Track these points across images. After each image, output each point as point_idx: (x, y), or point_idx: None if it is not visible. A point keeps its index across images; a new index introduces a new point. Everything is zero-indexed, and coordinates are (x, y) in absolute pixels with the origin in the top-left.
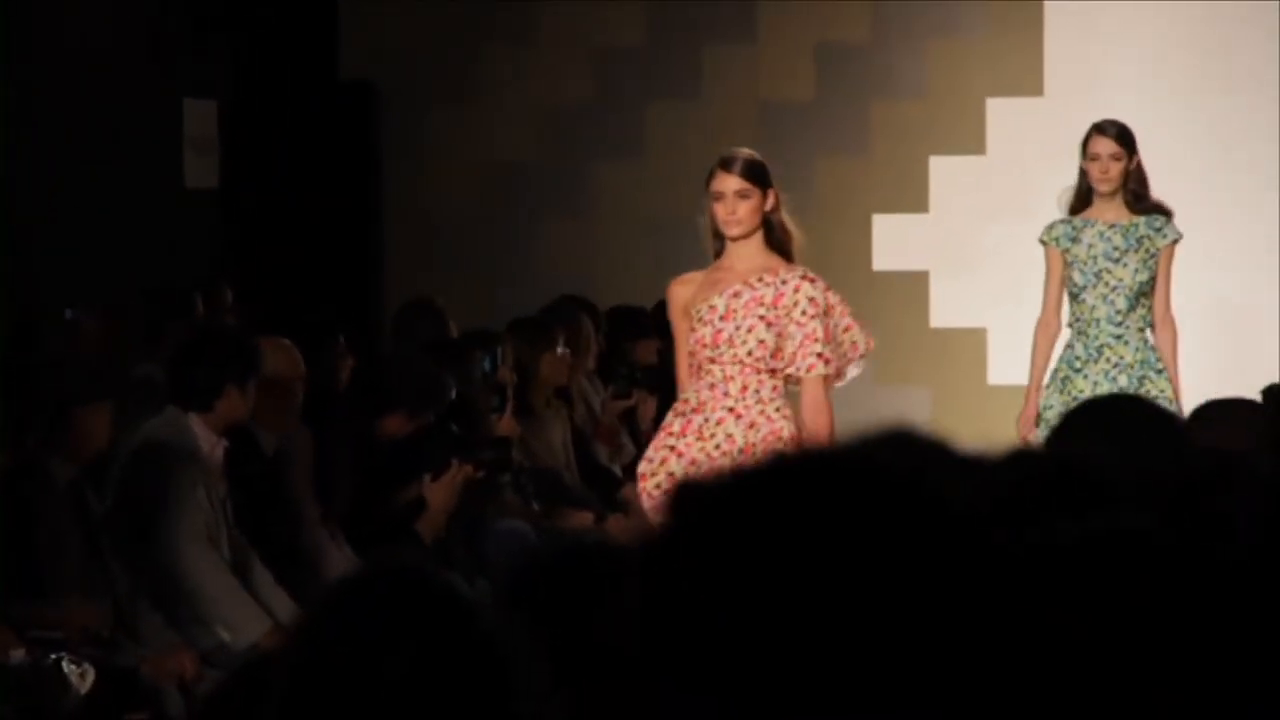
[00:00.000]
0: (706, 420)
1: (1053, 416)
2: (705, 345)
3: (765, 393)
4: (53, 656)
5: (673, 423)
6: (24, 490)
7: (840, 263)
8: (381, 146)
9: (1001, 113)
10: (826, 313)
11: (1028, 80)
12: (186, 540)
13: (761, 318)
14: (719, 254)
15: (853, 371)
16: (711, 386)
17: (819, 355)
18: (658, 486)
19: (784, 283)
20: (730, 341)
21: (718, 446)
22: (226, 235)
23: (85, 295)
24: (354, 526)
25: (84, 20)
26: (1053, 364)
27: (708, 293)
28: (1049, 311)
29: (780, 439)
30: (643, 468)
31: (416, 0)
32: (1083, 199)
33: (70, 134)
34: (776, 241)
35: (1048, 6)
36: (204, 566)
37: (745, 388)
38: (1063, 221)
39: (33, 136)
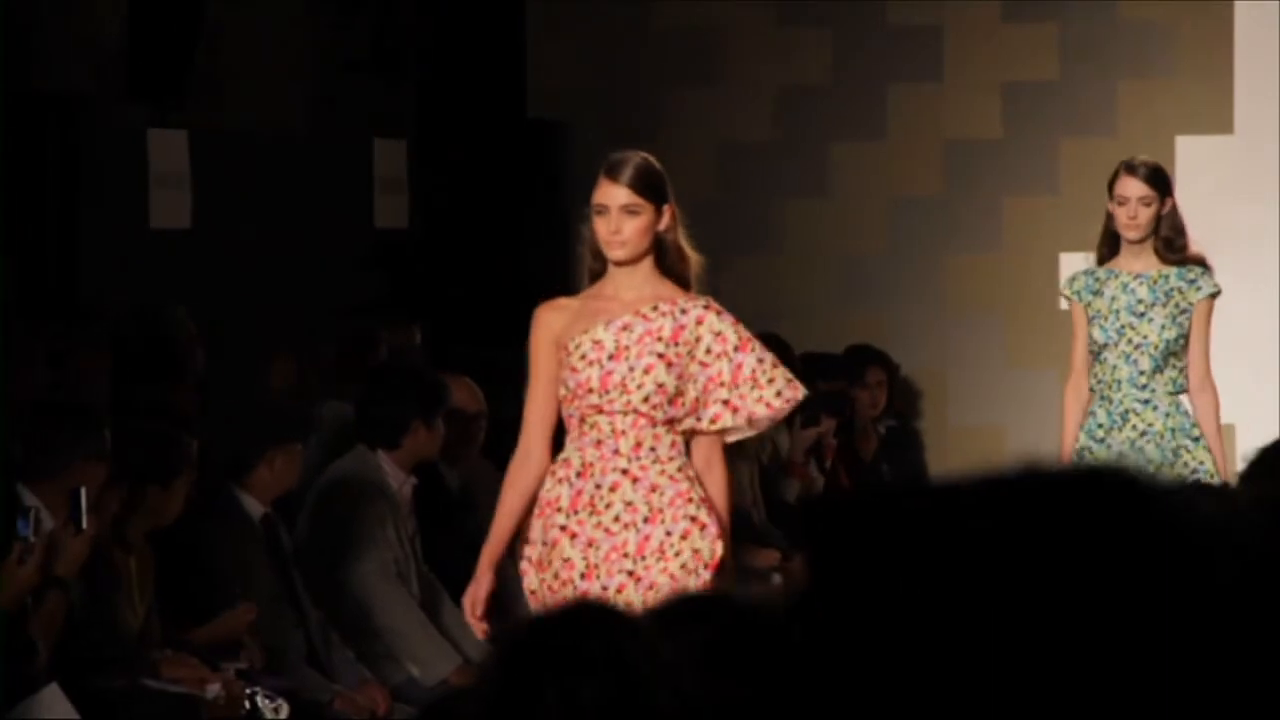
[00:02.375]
0: (599, 488)
1: None
2: (590, 390)
3: (664, 449)
4: (248, 690)
5: (556, 494)
6: (216, 524)
7: (1027, 303)
8: (568, 185)
9: (1191, 151)
10: (739, 349)
11: (1217, 118)
12: (377, 577)
13: (660, 356)
14: (595, 277)
15: (739, 429)
16: (598, 444)
17: (724, 403)
18: (555, 577)
19: (684, 313)
20: (622, 385)
21: (617, 519)
22: (415, 274)
23: (276, 334)
24: None
25: (275, 61)
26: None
27: (588, 323)
28: (1077, 374)
29: (690, 502)
30: (528, 556)
31: (603, 39)
32: (1109, 246)
33: (262, 174)
34: (671, 266)
35: (1238, 44)
36: (394, 602)
37: (639, 444)
38: (1086, 272)
39: (225, 177)
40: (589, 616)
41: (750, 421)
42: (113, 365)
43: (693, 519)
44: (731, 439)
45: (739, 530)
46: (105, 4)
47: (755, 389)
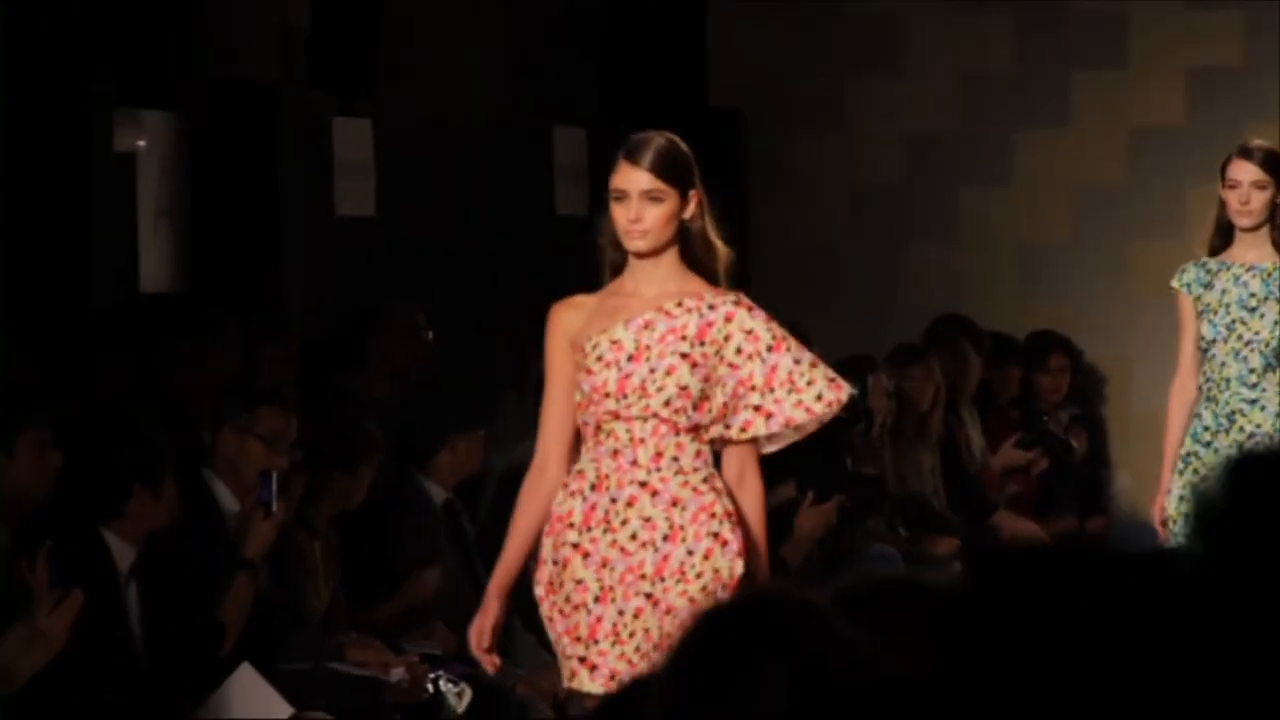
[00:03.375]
0: (614, 502)
1: (1174, 503)
2: (607, 394)
3: (687, 459)
4: (431, 675)
5: (569, 509)
6: (399, 510)
7: None
8: (749, 172)
9: None
10: (772, 349)
11: None
12: None
13: (684, 356)
14: (617, 271)
15: (790, 432)
16: (615, 454)
17: (757, 409)
18: (567, 600)
19: (711, 309)
20: (642, 389)
21: (634, 536)
22: (595, 262)
23: (458, 322)
24: None
25: (458, 49)
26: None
27: (606, 321)
28: (1184, 374)
29: (714, 517)
30: (538, 578)
31: (785, 27)
32: (1222, 235)
33: (444, 162)
34: (697, 259)
35: None
36: None
37: (660, 453)
38: (1197, 264)
39: (408, 165)
40: (769, 599)
41: (789, 427)
42: (301, 353)
43: (715, 535)
44: (770, 449)
45: (919, 518)
46: None
47: (793, 392)
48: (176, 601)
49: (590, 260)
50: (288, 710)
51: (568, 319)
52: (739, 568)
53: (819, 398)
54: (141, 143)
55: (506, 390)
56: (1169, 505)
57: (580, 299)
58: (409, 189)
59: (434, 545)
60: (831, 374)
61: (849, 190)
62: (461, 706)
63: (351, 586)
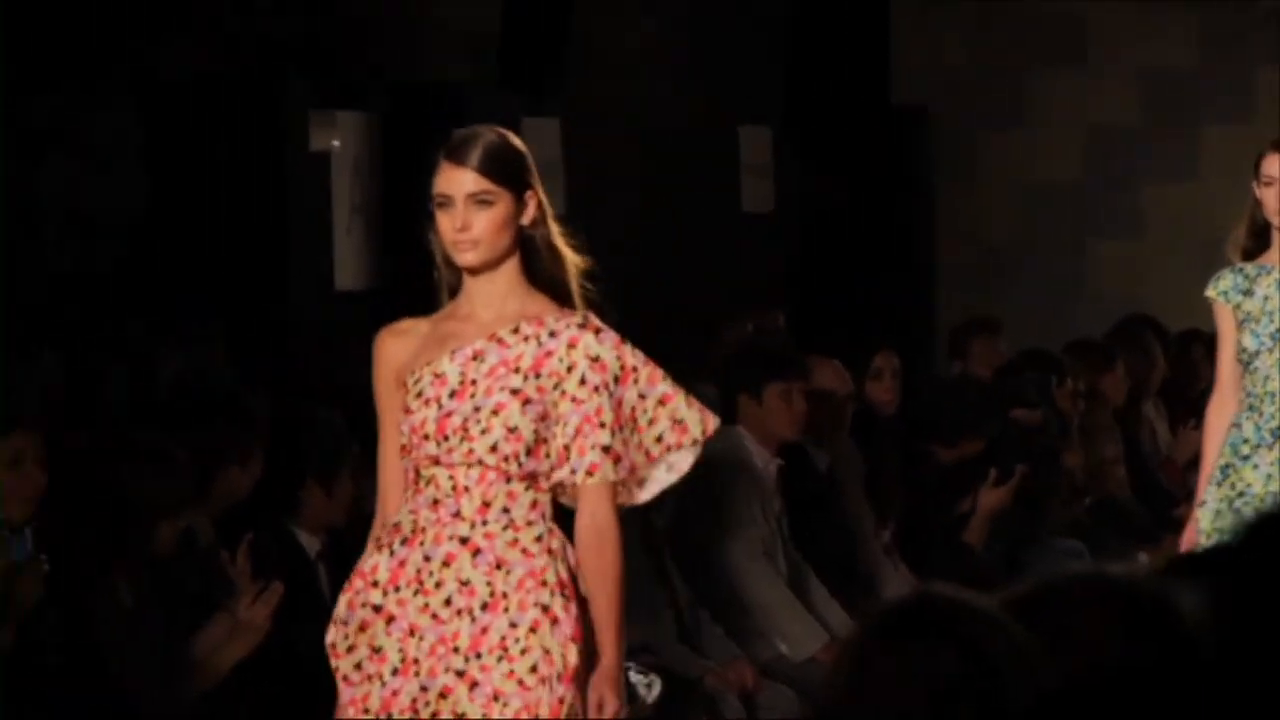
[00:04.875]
0: (428, 560)
1: (1207, 516)
2: (426, 436)
3: (519, 512)
4: None
5: (373, 564)
6: None
7: None
8: (933, 169)
9: None
10: (619, 381)
11: None
12: (745, 555)
13: (514, 392)
14: (454, 293)
15: (662, 474)
16: (434, 504)
17: (605, 450)
18: (357, 669)
19: (552, 336)
20: (464, 431)
21: (448, 602)
22: (781, 259)
23: (646, 320)
24: (906, 541)
25: (644, 49)
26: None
27: (434, 352)
28: (1223, 389)
29: (543, 585)
30: (332, 637)
31: (968, 24)
32: (1258, 237)
33: (631, 161)
34: (543, 272)
35: None
36: (762, 580)
37: (486, 504)
38: (1233, 270)
39: (596, 164)
40: (939, 599)
41: (635, 473)
42: None
43: (544, 609)
44: (651, 494)
45: (1106, 513)
46: None
47: (634, 433)
48: None
49: (779, 258)
50: None
51: (394, 349)
52: (572, 656)
53: (659, 439)
54: (336, 142)
55: (695, 385)
56: (1203, 519)
57: (409, 324)
58: (597, 188)
59: (623, 538)
60: (680, 413)
61: (1032, 185)
62: (651, 698)
63: None
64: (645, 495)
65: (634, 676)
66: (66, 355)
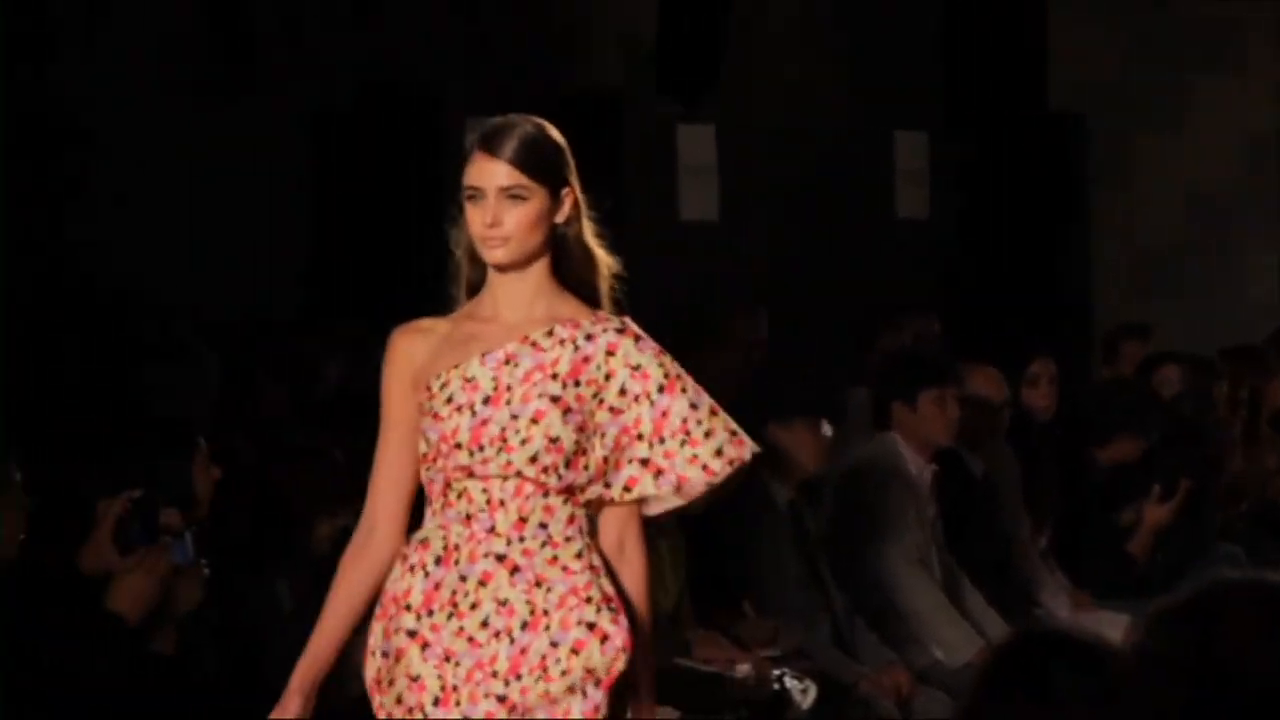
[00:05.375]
0: (463, 580)
1: None
2: (458, 445)
3: (557, 527)
4: (776, 672)
5: (406, 587)
6: (744, 509)
7: None
8: (1090, 175)
9: None
10: (664, 390)
11: None
12: (900, 561)
13: (554, 400)
14: (475, 291)
15: (669, 494)
16: (467, 519)
17: (645, 464)
18: (398, 702)
19: (589, 339)
20: (501, 441)
21: (485, 624)
22: (936, 265)
23: (801, 323)
24: (1063, 547)
25: (797, 56)
26: None
27: (458, 354)
28: None
29: (588, 602)
30: (369, 672)
31: (1125, 31)
32: None
33: (785, 167)
34: (573, 273)
35: None
36: (917, 587)
37: (523, 519)
38: None
39: (749, 171)
40: (1041, 638)
41: (680, 488)
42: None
43: (590, 626)
44: (655, 511)
45: (1266, 519)
46: (639, 3)
47: (687, 444)
48: None
49: (935, 264)
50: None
51: (411, 348)
52: (620, 663)
53: (718, 453)
54: None
55: (850, 389)
56: None
57: (428, 323)
58: (751, 193)
59: (778, 545)
60: (734, 426)
61: (1188, 192)
62: (806, 703)
63: (698, 584)
64: (654, 510)
65: (789, 682)
66: (224, 359)
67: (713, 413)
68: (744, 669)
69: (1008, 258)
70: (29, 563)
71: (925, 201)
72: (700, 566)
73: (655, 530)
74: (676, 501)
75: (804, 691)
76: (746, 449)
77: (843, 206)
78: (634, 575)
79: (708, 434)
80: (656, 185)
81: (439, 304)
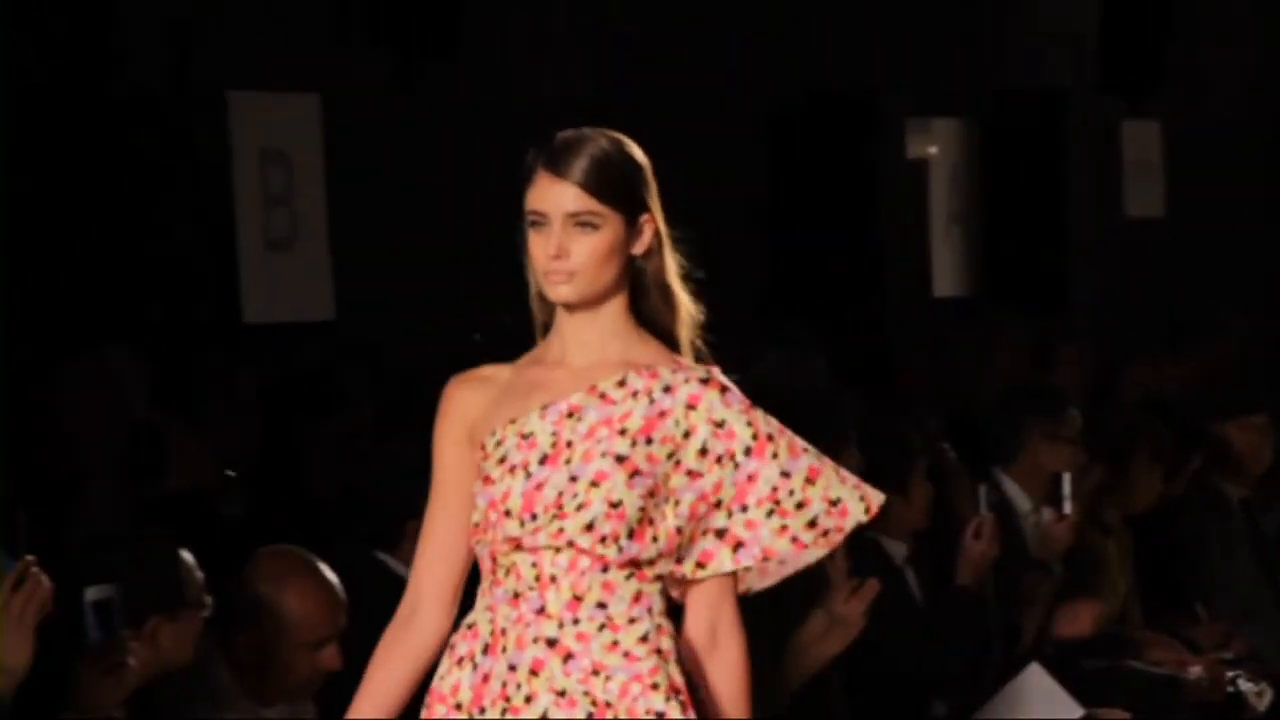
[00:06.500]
0: (513, 670)
1: None
2: (508, 513)
3: (619, 608)
4: (1230, 674)
5: (454, 682)
6: (1194, 509)
7: None
8: None
9: None
10: (750, 454)
11: None
12: None
13: (621, 460)
14: (548, 329)
15: (774, 565)
16: (514, 598)
17: (722, 535)
18: None
19: (667, 391)
20: (556, 508)
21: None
22: (1171, 263)
23: (1252, 319)
24: None
25: (1241, 50)
26: None
27: (518, 406)
28: None
29: (654, 689)
30: None
31: None
32: None
33: (1233, 163)
34: (652, 314)
35: None
36: None
37: (578, 598)
38: None
39: (1196, 168)
40: None
41: (769, 561)
42: (1096, 353)
43: (659, 716)
44: (760, 586)
45: None
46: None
47: (774, 515)
48: (952, 601)
49: (1162, 261)
50: (1078, 710)
51: (468, 400)
52: None
53: (811, 524)
54: (933, 150)
55: None
56: None
57: (488, 370)
58: (1199, 190)
59: (1230, 546)
60: (835, 494)
61: None
62: (1262, 706)
63: (1146, 586)
64: (761, 585)
65: (1244, 684)
66: None
67: (809, 480)
68: (1196, 671)
69: (1249, 255)
70: None
71: (1160, 197)
72: (1149, 568)
73: (1103, 531)
74: (785, 572)
75: (1259, 694)
76: (850, 518)
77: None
78: (729, 668)
79: (800, 505)
80: (1102, 183)
81: (874, 302)
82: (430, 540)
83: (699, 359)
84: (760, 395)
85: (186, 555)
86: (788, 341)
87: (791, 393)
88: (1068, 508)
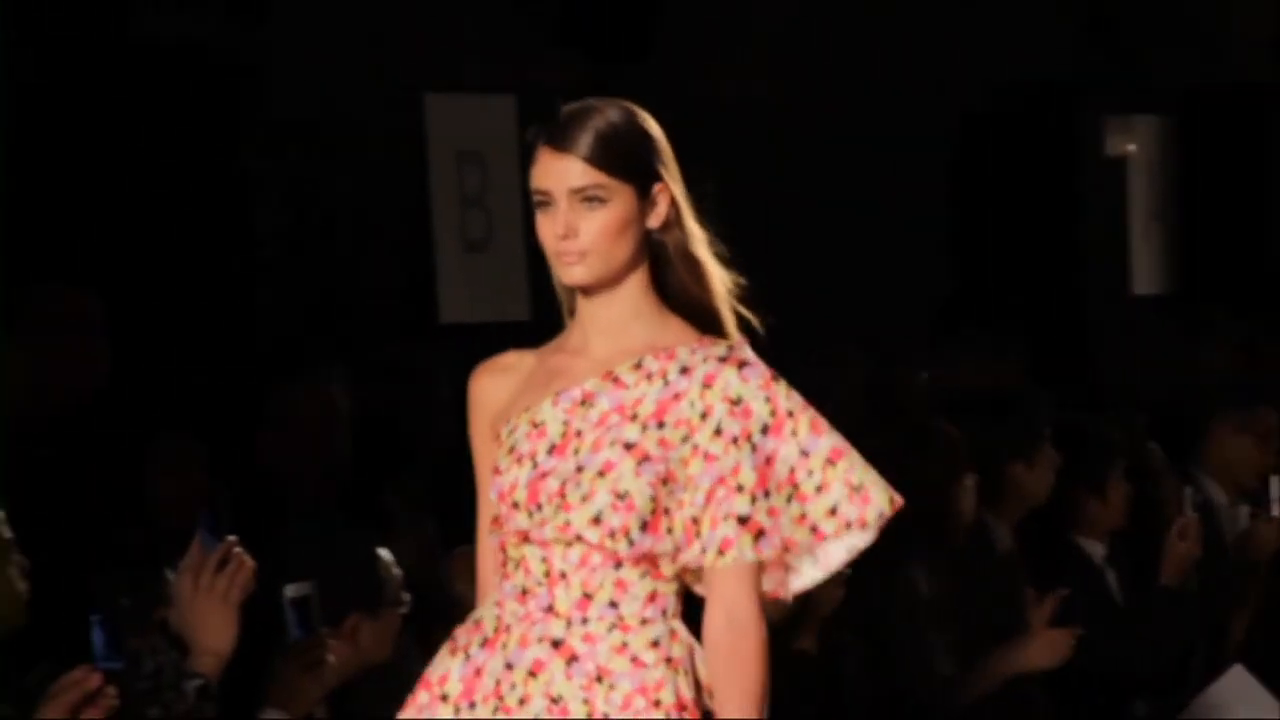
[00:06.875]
0: (510, 669)
1: None
2: (516, 505)
3: (631, 607)
4: None
5: (443, 672)
6: None
7: None
8: None
9: None
10: (768, 431)
11: None
12: None
13: (629, 447)
14: (574, 312)
15: (809, 568)
16: (522, 594)
17: (742, 521)
18: None
19: (684, 373)
20: (559, 499)
21: None
22: None
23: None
24: None
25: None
26: None
27: (535, 395)
28: None
29: (657, 705)
30: None
31: None
32: None
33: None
34: (679, 290)
35: None
36: None
37: (588, 596)
38: None
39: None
40: None
41: (789, 553)
42: None
43: None
44: (796, 589)
45: None
46: None
47: (794, 500)
48: (1157, 601)
49: None
50: None
51: (491, 390)
52: None
53: (831, 512)
54: (1132, 147)
55: None
56: None
57: (512, 358)
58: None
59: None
60: (858, 479)
61: None
62: None
63: None
64: (794, 588)
65: None
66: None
67: (829, 462)
68: None
69: None
70: None
71: None
72: None
73: None
74: (818, 576)
75: None
76: (872, 506)
77: None
78: (742, 663)
79: (819, 488)
80: None
81: (1073, 300)
82: (485, 532)
83: (744, 330)
84: (954, 395)
85: (385, 553)
86: (982, 341)
87: (991, 389)
88: (1276, 510)
